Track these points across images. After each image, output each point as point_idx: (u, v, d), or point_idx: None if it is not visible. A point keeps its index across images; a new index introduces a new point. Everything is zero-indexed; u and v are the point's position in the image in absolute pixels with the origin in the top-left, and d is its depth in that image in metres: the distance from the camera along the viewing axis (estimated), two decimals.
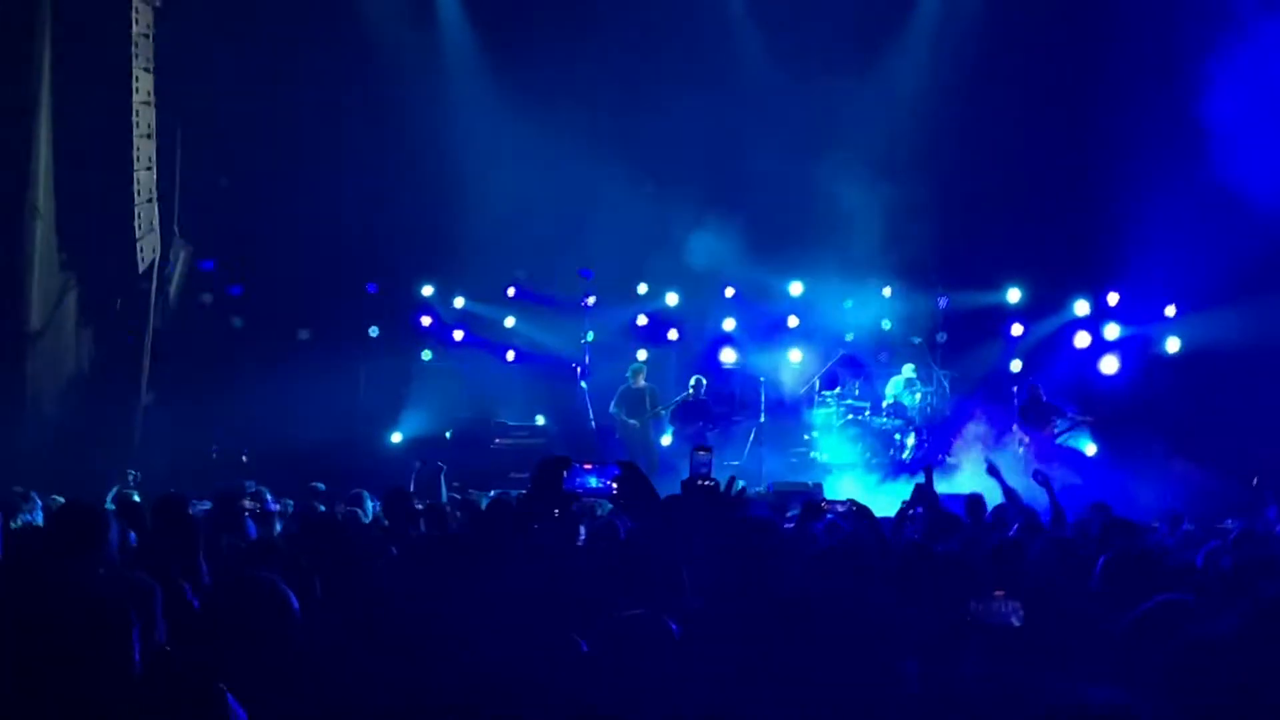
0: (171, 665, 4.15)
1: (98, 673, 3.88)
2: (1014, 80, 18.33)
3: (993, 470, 10.73)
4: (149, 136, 16.20)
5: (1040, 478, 9.94)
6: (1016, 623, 4.24)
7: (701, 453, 6.37)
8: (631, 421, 18.14)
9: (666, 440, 18.25)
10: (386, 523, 9.32)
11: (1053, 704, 2.56)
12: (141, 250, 16.26)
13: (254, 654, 4.29)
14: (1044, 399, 17.59)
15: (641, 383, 18.37)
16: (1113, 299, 18.96)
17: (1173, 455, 16.60)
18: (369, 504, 10.40)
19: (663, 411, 18.42)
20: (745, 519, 6.90)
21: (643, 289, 19.96)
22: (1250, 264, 16.66)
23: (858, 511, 7.85)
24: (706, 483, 6.07)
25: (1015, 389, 18.38)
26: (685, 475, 6.18)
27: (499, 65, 18.92)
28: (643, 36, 18.97)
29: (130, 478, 12.64)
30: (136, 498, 11.06)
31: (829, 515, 8.36)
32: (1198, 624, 4.29)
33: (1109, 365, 18.71)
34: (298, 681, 4.26)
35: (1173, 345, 18.45)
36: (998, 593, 4.34)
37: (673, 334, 20.07)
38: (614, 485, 5.80)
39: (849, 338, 19.57)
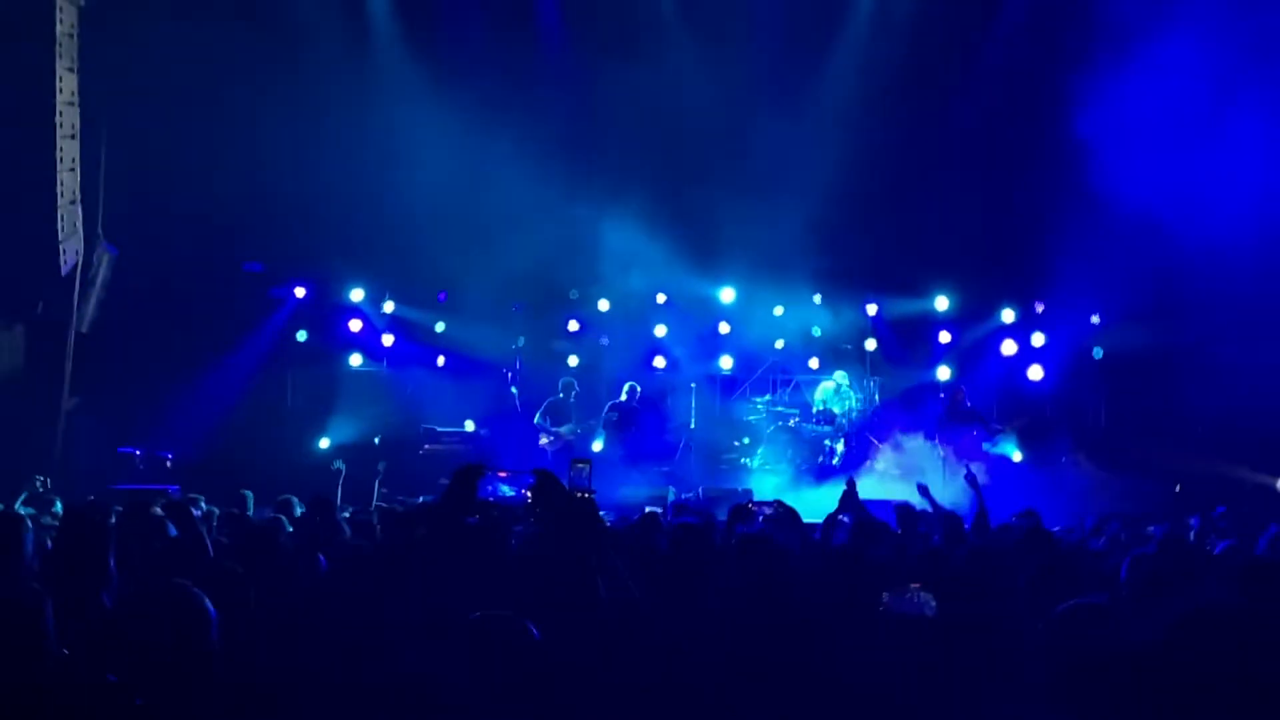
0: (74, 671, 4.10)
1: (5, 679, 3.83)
2: (942, 88, 18.53)
3: (923, 490, 10.85)
4: (73, 137, 15.95)
5: (970, 478, 10.02)
6: (929, 613, 4.27)
7: (580, 465, 6.35)
8: (559, 430, 18.10)
9: (598, 446, 18.21)
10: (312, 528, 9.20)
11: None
12: (64, 252, 16.00)
13: (168, 663, 4.21)
14: (966, 404, 17.76)
15: (572, 397, 18.34)
16: (1039, 307, 19.20)
17: (1096, 461, 16.80)
18: (297, 510, 10.30)
19: (591, 423, 18.39)
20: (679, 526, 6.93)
21: (574, 294, 19.93)
22: (1173, 274, 16.94)
23: (784, 513, 7.88)
24: (585, 495, 6.07)
25: (941, 395, 18.54)
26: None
27: (428, 63, 18.81)
28: (578, 35, 18.99)
29: (39, 483, 12.41)
30: (58, 505, 10.86)
31: (758, 516, 8.40)
32: (1115, 629, 4.35)
33: (1035, 373, 18.96)
34: (216, 690, 4.20)
35: (1098, 353, 18.73)
36: (913, 585, 4.38)
37: (604, 340, 20.04)
38: (528, 493, 5.76)
39: (779, 344, 19.66)
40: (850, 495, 10.79)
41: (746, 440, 19.10)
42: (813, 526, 9.54)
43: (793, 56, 18.89)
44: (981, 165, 18.55)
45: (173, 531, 8.04)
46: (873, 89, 18.34)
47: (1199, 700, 3.04)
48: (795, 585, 5.08)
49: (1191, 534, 11.09)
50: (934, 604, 4.35)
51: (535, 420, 18.24)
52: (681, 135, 18.59)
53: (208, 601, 4.48)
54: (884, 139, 18.28)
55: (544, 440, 18.09)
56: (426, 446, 18.49)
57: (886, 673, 4.01)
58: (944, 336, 19.63)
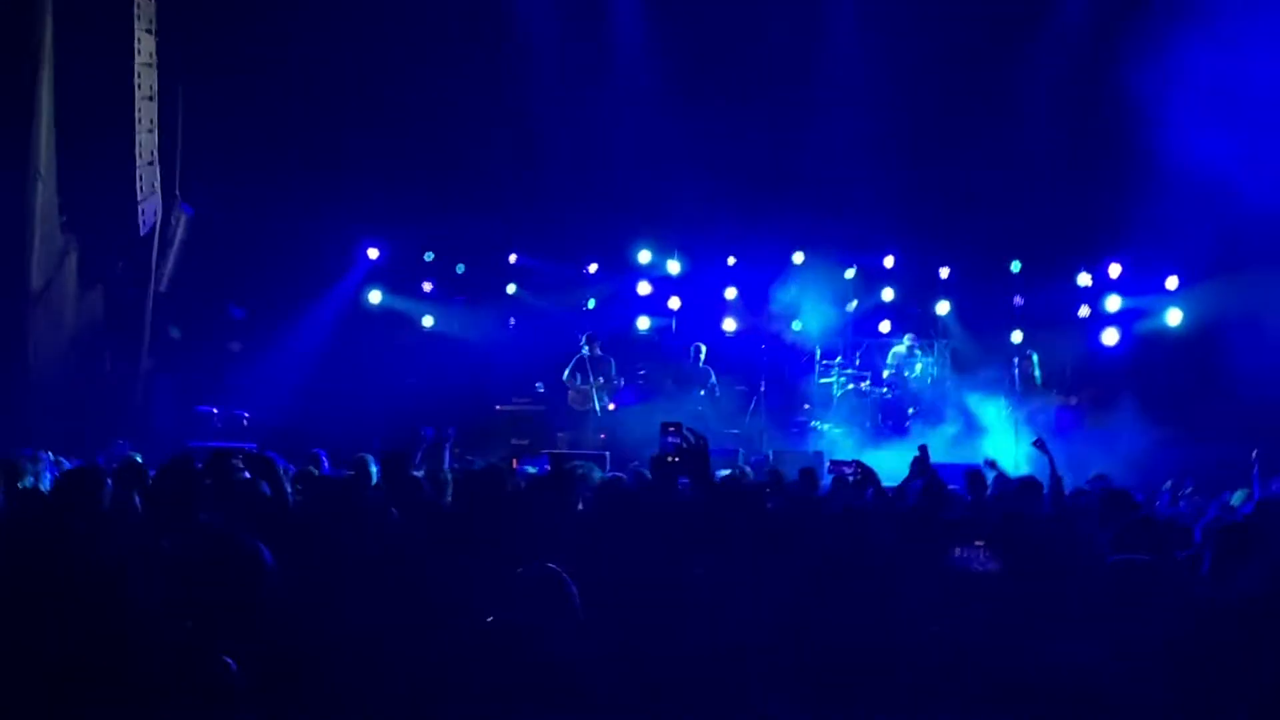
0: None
1: (94, 628, 3.91)
2: (1015, 50, 18.29)
3: (991, 464, 10.77)
4: (151, 99, 16.15)
5: (1040, 444, 9.93)
6: (995, 568, 4.28)
7: (670, 428, 6.41)
8: (585, 387, 18.15)
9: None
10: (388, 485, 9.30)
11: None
12: (143, 212, 16.24)
13: (231, 614, 4.30)
14: (1037, 372, 17.60)
15: (598, 351, 18.35)
16: (1114, 271, 18.95)
17: (1170, 426, 16.59)
18: (373, 468, 10.40)
19: (617, 380, 18.41)
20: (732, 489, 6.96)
21: (645, 257, 19.92)
22: (1252, 237, 16.65)
23: (864, 473, 7.87)
24: (675, 458, 6.11)
25: (1015, 360, 18.36)
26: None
27: (503, 28, 18.84)
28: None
29: (119, 448, 12.61)
30: (139, 458, 11.05)
31: (842, 471, 8.39)
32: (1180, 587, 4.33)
33: (1110, 337, 18.72)
34: (277, 642, 4.27)
35: (1174, 317, 18.45)
36: (978, 542, 4.38)
37: (674, 302, 20.03)
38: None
39: (851, 307, 19.55)
40: (922, 460, 10.77)
41: (816, 403, 19.02)
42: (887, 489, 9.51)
43: (871, 15, 18.70)
44: (1057, 125, 18.28)
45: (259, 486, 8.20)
46: (946, 46, 18.11)
47: None
48: (872, 544, 5.10)
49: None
50: (994, 561, 4.36)
51: (564, 378, 18.28)
52: (754, 92, 18.49)
53: (265, 552, 4.56)
54: (959, 100, 18.10)
55: (572, 397, 18.15)
56: (499, 407, 18.61)
57: (952, 626, 4.01)
58: (1017, 300, 19.39)
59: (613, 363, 18.38)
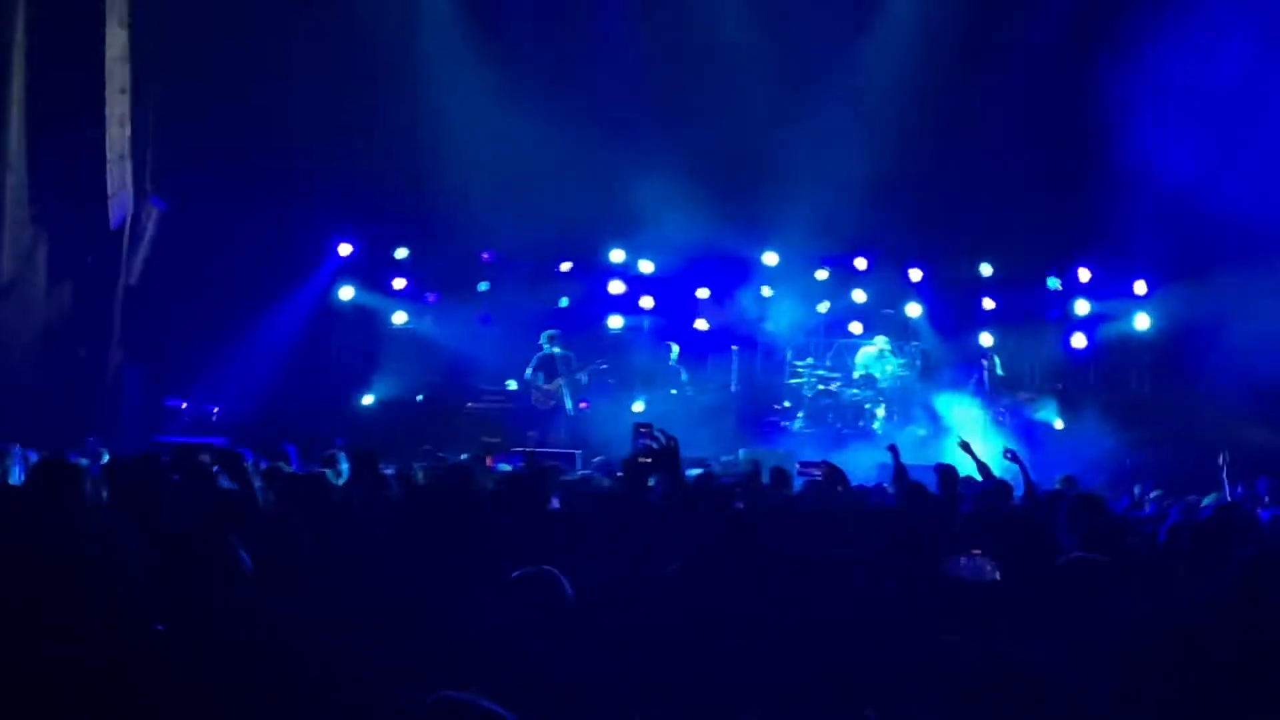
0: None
1: (75, 626, 3.90)
2: (989, 53, 18.36)
3: (965, 447, 10.79)
4: (123, 92, 16.07)
5: (1011, 455, 9.97)
6: (992, 577, 4.30)
7: (642, 429, 6.44)
8: (548, 386, 18.14)
9: (639, 407, 18.23)
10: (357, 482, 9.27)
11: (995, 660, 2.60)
12: (114, 207, 16.15)
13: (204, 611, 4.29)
14: (999, 374, 17.70)
15: (556, 349, 18.35)
16: (1084, 275, 19.07)
17: (1137, 430, 16.70)
18: (343, 465, 10.37)
19: (583, 377, 18.41)
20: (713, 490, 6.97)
21: (618, 256, 19.91)
22: (1218, 243, 16.78)
23: (830, 472, 7.90)
24: (647, 459, 6.14)
25: (984, 363, 18.46)
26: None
27: (476, 18, 18.81)
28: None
29: (89, 444, 12.53)
30: (105, 455, 10.99)
31: (811, 472, 8.44)
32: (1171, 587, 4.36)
33: (1078, 340, 18.85)
34: (258, 639, 4.26)
35: (1142, 322, 18.59)
36: (975, 551, 4.40)
37: (647, 301, 20.03)
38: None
39: (823, 308, 19.61)
40: (894, 461, 10.81)
41: (788, 404, 19.09)
42: (857, 489, 9.55)
43: (841, 20, 18.76)
44: (1029, 130, 18.37)
45: (223, 482, 8.17)
46: (918, 53, 18.18)
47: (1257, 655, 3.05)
48: (846, 546, 5.12)
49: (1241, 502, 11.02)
50: (994, 568, 4.37)
51: (525, 376, 18.25)
52: (727, 95, 18.53)
53: (243, 553, 4.55)
54: (931, 103, 18.17)
55: (536, 396, 18.12)
56: (470, 404, 18.59)
57: (949, 635, 4.03)
58: (987, 303, 19.49)
59: (573, 359, 18.37)
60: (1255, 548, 5.05)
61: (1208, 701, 3.29)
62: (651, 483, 6.23)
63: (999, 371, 17.76)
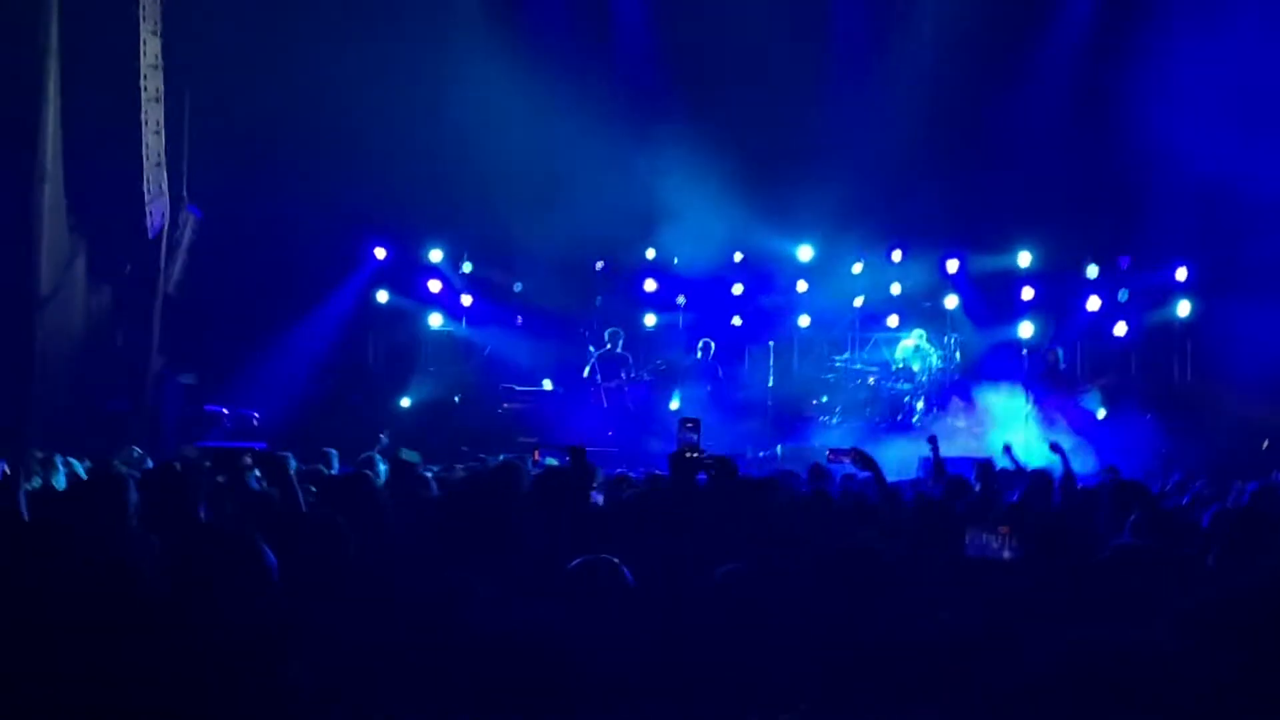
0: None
1: (120, 633, 3.92)
2: (1024, 40, 18.28)
3: (1008, 450, 10.85)
4: (157, 100, 16.17)
5: (1056, 448, 9.94)
6: (1009, 555, 4.27)
7: (689, 424, 6.46)
8: (609, 385, 18.20)
9: (675, 405, 18.25)
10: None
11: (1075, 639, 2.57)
12: (151, 214, 16.25)
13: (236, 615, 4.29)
14: (1062, 368, 17.56)
15: (619, 346, 18.41)
16: (1124, 263, 18.93)
17: (1181, 418, 16.58)
18: (380, 467, 10.40)
19: (647, 376, 18.45)
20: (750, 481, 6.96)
21: (651, 254, 19.92)
22: (1260, 231, 16.63)
23: (862, 460, 7.84)
24: (694, 454, 6.16)
25: (1025, 353, 18.36)
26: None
27: (507, 22, 18.84)
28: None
29: (133, 451, 12.61)
30: (149, 462, 11.06)
31: (841, 464, 8.40)
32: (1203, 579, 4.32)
33: (1120, 329, 18.72)
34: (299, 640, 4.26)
35: (1184, 309, 18.44)
36: (1001, 528, 4.37)
37: (681, 299, 20.03)
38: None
39: (859, 302, 19.54)
40: (933, 453, 10.80)
41: (825, 398, 19.03)
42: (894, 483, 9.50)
43: (873, 10, 18.70)
44: (1066, 118, 18.26)
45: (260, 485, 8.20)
46: (952, 40, 18.09)
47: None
48: (881, 535, 5.10)
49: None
50: (1013, 549, 4.35)
51: (585, 375, 18.35)
52: (757, 89, 18.49)
53: (268, 552, 4.55)
54: (964, 93, 18.10)
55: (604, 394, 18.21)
56: (505, 405, 18.63)
57: (965, 614, 4.00)
58: (1026, 293, 19.36)
59: (630, 359, 18.48)
60: None
61: (1248, 696, 3.24)
62: (700, 478, 6.26)
63: (1060, 365, 17.62)
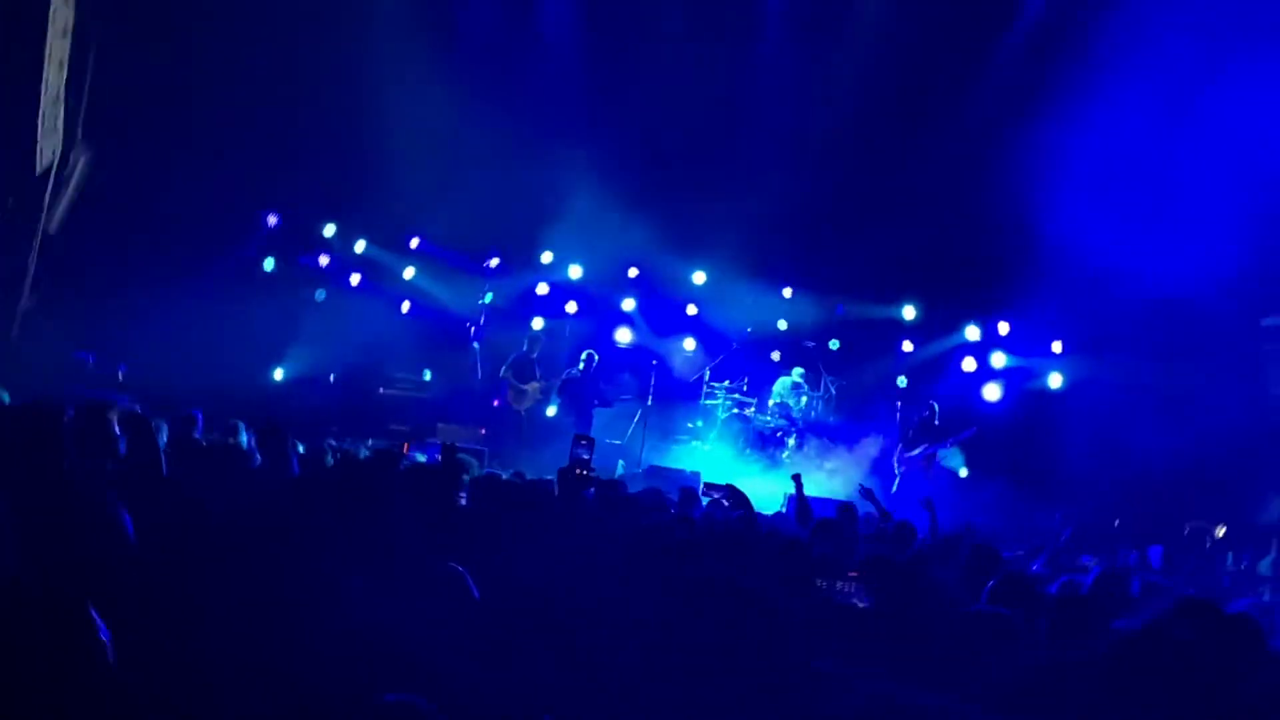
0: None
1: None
2: (925, 102, 18.60)
3: (867, 494, 11.09)
4: (64, 36, 15.76)
5: (927, 502, 10.15)
6: (861, 604, 4.37)
7: (582, 442, 6.49)
8: (525, 387, 18.11)
9: (551, 411, 18.24)
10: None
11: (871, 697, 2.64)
12: (41, 150, 15.82)
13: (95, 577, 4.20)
14: (937, 422, 17.88)
15: (536, 352, 18.38)
16: (1003, 328, 19.35)
17: (1039, 485, 16.95)
18: (243, 436, 10.21)
19: (554, 383, 18.42)
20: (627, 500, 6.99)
21: (547, 258, 19.92)
22: (1136, 312, 17.09)
23: (734, 497, 7.95)
24: (584, 472, 6.19)
25: (898, 404, 18.69)
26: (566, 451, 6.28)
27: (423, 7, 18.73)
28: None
29: None
30: (5, 396, 10.74)
31: (711, 495, 8.49)
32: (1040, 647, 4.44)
33: (992, 393, 19.12)
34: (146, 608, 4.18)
35: (1055, 380, 18.90)
36: (851, 574, 4.47)
37: (571, 306, 20.05)
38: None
39: (749, 330, 19.73)
40: (797, 492, 10.96)
41: (700, 423, 19.18)
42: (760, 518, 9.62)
43: (784, 53, 18.90)
44: (961, 184, 18.58)
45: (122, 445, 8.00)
46: (855, 94, 18.31)
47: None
48: (748, 569, 5.17)
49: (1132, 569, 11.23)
50: (866, 597, 4.45)
51: (501, 374, 18.25)
52: (668, 113, 18.58)
53: (127, 518, 4.47)
54: (874, 145, 18.38)
55: (511, 395, 18.09)
56: (382, 390, 18.46)
57: (826, 659, 4.07)
58: (907, 345, 19.75)
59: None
60: (1133, 622, 5.16)
61: None
62: (587, 494, 6.30)
63: (935, 420, 17.92)
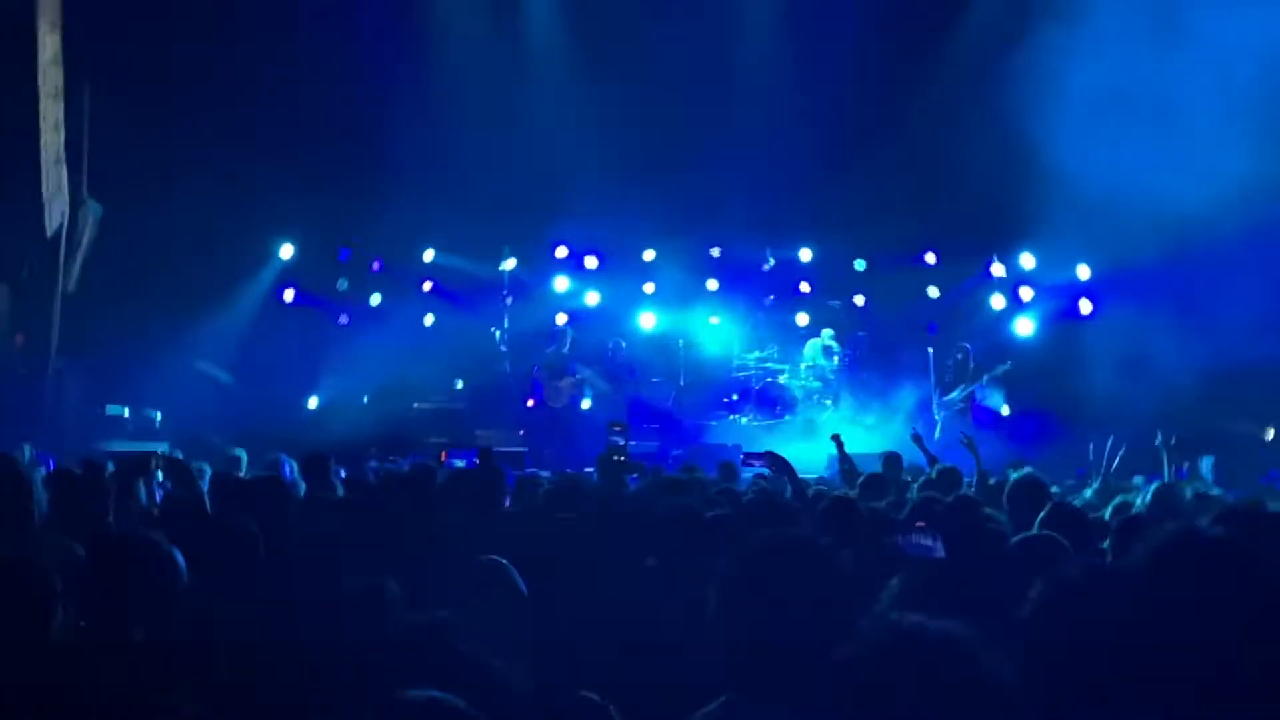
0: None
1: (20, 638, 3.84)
2: (933, 45, 18.50)
3: (917, 439, 11.08)
4: (55, 97, 15.84)
5: (968, 442, 10.10)
6: (939, 554, 4.33)
7: (617, 428, 6.50)
8: (559, 384, 18.14)
9: (586, 405, 18.26)
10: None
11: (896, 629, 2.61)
12: (50, 212, 15.92)
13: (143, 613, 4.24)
14: (972, 364, 17.79)
15: (566, 347, 18.41)
16: (1027, 261, 19.20)
17: (1082, 413, 16.85)
18: (286, 468, 10.27)
19: (585, 376, 18.43)
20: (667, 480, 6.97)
21: (562, 252, 19.91)
22: (1161, 228, 16.93)
23: (775, 464, 7.92)
24: (620, 457, 6.19)
25: (930, 351, 18.59)
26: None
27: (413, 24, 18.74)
28: None
29: (25, 452, 12.33)
30: (51, 463, 10.85)
31: (754, 467, 8.47)
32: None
33: (1023, 327, 18.99)
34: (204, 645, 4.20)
35: (1085, 307, 18.75)
36: (919, 524, 4.43)
37: (593, 298, 20.01)
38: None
39: (769, 300, 19.69)
40: (839, 451, 10.95)
41: (735, 396, 19.15)
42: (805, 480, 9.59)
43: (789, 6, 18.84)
44: (965, 121, 18.43)
45: (164, 489, 8.08)
46: (861, 45, 18.18)
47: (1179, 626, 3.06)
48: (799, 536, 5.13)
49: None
50: (943, 546, 4.41)
51: (534, 374, 18.29)
52: (673, 85, 18.52)
53: (176, 553, 4.50)
54: (872, 94, 18.28)
55: (547, 394, 18.13)
56: (416, 405, 18.50)
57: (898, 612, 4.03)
58: (932, 291, 19.64)
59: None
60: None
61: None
62: (631, 481, 6.30)
63: (970, 362, 17.85)
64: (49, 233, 16.07)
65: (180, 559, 4.49)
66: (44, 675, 3.68)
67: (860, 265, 19.75)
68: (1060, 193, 17.09)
